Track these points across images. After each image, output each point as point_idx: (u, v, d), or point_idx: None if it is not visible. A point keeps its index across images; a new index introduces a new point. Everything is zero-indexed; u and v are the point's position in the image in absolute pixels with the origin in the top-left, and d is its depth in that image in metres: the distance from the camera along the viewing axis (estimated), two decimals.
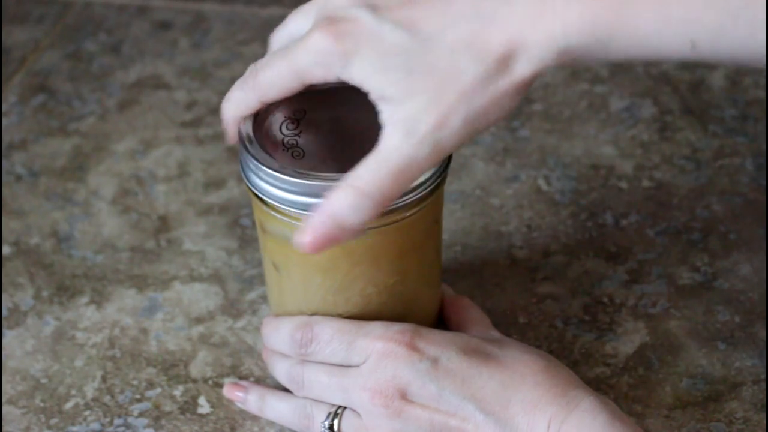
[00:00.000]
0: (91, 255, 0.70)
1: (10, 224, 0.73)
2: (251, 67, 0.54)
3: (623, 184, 0.74)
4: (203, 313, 0.66)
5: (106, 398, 0.61)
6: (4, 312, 0.67)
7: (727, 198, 0.73)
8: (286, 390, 0.59)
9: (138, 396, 0.62)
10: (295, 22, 0.55)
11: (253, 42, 0.90)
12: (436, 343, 0.55)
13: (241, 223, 0.72)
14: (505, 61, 0.48)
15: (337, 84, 0.52)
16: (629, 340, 0.64)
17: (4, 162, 0.78)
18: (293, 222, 0.54)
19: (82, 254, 0.71)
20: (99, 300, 0.67)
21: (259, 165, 0.53)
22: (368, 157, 0.50)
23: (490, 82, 0.48)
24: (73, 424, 0.60)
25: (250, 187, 0.54)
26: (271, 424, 0.60)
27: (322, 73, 0.51)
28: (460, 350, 0.55)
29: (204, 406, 0.61)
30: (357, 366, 0.55)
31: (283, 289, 0.59)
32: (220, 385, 0.62)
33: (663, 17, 0.46)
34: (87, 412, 0.61)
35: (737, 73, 0.84)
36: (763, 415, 0.59)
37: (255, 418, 0.60)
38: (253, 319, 0.66)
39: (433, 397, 0.54)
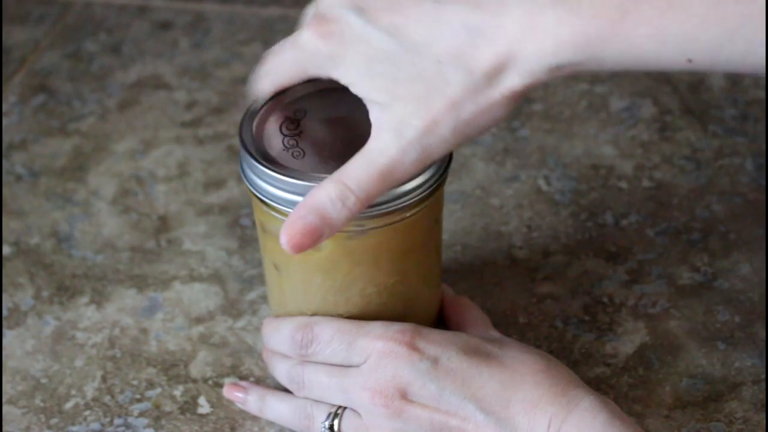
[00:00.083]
0: (91, 255, 0.70)
1: (10, 224, 0.73)
2: (267, 52, 0.54)
3: (623, 184, 0.74)
4: (203, 313, 0.66)
5: (106, 398, 0.61)
6: (4, 312, 0.67)
7: (727, 198, 0.73)
8: (286, 390, 0.59)
9: (138, 396, 0.62)
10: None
11: (253, 42, 0.90)
12: (436, 342, 0.55)
13: (241, 223, 0.72)
14: (493, 75, 0.48)
15: (337, 84, 0.52)
16: (629, 340, 0.64)
17: (4, 162, 0.78)
18: None
19: (82, 254, 0.71)
20: (99, 300, 0.67)
21: (259, 165, 0.53)
22: (356, 156, 0.50)
23: (479, 93, 0.48)
24: (73, 424, 0.60)
25: (250, 187, 0.54)
26: (271, 424, 0.60)
27: (315, 71, 0.51)
28: (461, 350, 0.55)
29: (204, 406, 0.61)
30: (357, 366, 0.55)
31: (284, 290, 0.59)
32: (220, 385, 0.62)
33: (659, 34, 0.45)
34: (87, 412, 0.61)
35: (737, 73, 0.84)
36: (763, 415, 0.59)
37: (255, 418, 0.60)
38: (253, 319, 0.66)
39: (433, 396, 0.54)
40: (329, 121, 0.56)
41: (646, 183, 0.74)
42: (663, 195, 0.73)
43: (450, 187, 0.74)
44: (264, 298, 0.67)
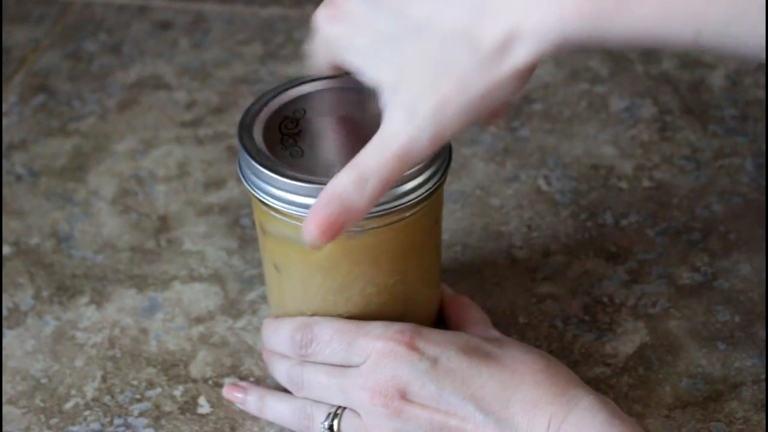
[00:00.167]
0: (91, 255, 0.70)
1: (10, 224, 0.73)
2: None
3: (623, 184, 0.74)
4: (203, 313, 0.66)
5: (106, 398, 0.61)
6: (4, 312, 0.67)
7: (727, 198, 0.73)
8: (285, 391, 0.59)
9: (138, 396, 0.62)
10: None
11: (253, 42, 0.90)
12: (435, 342, 0.55)
13: (241, 223, 0.72)
14: (500, 50, 0.47)
15: (336, 84, 0.52)
16: (629, 340, 0.64)
17: (4, 162, 0.78)
18: (293, 222, 0.54)
19: (82, 254, 0.71)
20: (99, 300, 0.67)
21: (258, 165, 0.53)
22: (371, 140, 0.49)
23: (487, 70, 0.47)
24: (73, 424, 0.60)
25: (250, 188, 0.54)
26: (271, 424, 0.60)
27: (333, 55, 0.52)
28: (460, 350, 0.55)
29: (204, 406, 0.61)
30: (357, 366, 0.55)
31: (284, 290, 0.59)
32: (220, 385, 0.62)
33: (666, 10, 0.44)
34: (87, 412, 0.61)
35: (737, 73, 0.84)
36: (763, 415, 0.59)
37: (255, 418, 0.60)
38: (253, 319, 0.66)
39: (432, 396, 0.54)
40: (328, 120, 0.56)
41: (646, 183, 0.74)
42: (663, 195, 0.73)
43: (450, 187, 0.74)
44: (264, 298, 0.67)
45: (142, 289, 0.68)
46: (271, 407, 0.59)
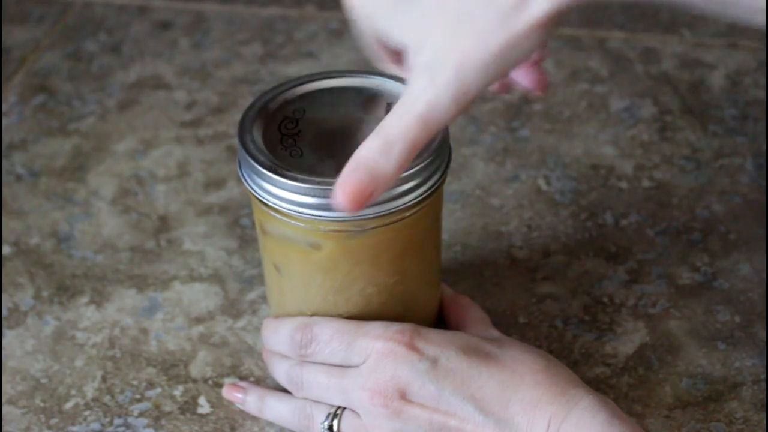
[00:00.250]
0: (91, 255, 0.70)
1: (10, 224, 0.73)
2: None
3: (623, 184, 0.74)
4: (203, 313, 0.66)
5: (106, 398, 0.61)
6: (4, 312, 0.67)
7: (727, 198, 0.73)
8: (285, 391, 0.59)
9: (138, 396, 0.62)
10: None
11: (253, 42, 0.90)
12: (435, 342, 0.55)
13: (241, 223, 0.72)
14: (517, 4, 0.46)
15: (335, 84, 0.52)
16: (629, 340, 0.64)
17: (4, 162, 0.78)
18: (293, 222, 0.54)
19: (82, 254, 0.71)
20: (99, 300, 0.67)
21: (258, 165, 0.53)
22: (396, 105, 0.49)
23: (506, 24, 0.46)
24: (73, 424, 0.60)
25: (250, 188, 0.54)
26: (271, 424, 0.60)
27: (369, 26, 0.52)
28: (460, 350, 0.55)
29: (204, 406, 0.61)
30: (356, 366, 0.55)
31: (284, 290, 0.59)
32: (220, 385, 0.62)
33: None
34: (87, 412, 0.61)
35: (737, 73, 0.84)
36: (763, 415, 0.59)
37: (255, 418, 0.60)
38: (253, 319, 0.66)
39: (432, 397, 0.54)
40: (327, 120, 0.56)
41: (646, 183, 0.74)
42: (663, 195, 0.73)
43: (450, 187, 0.74)
44: (264, 298, 0.67)
45: (142, 289, 0.68)
46: (271, 407, 0.59)
